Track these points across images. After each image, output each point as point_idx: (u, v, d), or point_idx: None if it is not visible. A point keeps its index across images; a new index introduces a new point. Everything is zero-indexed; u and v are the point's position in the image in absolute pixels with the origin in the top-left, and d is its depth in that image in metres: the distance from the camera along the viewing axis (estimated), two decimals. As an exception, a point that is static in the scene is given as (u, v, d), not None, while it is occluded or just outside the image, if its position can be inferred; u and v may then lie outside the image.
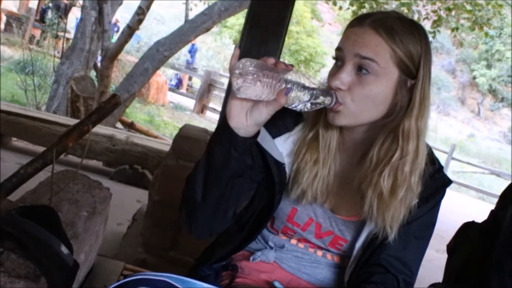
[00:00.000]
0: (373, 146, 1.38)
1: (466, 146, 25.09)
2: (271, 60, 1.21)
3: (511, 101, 27.20)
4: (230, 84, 1.25)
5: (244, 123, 1.26)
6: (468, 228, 1.67)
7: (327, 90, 1.33)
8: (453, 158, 16.95)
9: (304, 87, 1.24)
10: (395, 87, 1.35)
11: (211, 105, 15.85)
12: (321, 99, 1.29)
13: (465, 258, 1.61)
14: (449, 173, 16.81)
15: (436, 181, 1.45)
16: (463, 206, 11.91)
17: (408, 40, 1.33)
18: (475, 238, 1.60)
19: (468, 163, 18.36)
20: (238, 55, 1.21)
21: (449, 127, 28.97)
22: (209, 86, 15.64)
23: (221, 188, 1.35)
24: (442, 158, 17.16)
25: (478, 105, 31.98)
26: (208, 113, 15.64)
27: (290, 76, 1.22)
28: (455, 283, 1.61)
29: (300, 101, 1.25)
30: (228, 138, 1.28)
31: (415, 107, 1.35)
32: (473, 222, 1.68)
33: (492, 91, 28.99)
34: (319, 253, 1.51)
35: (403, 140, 1.35)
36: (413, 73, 1.35)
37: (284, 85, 1.20)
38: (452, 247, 1.68)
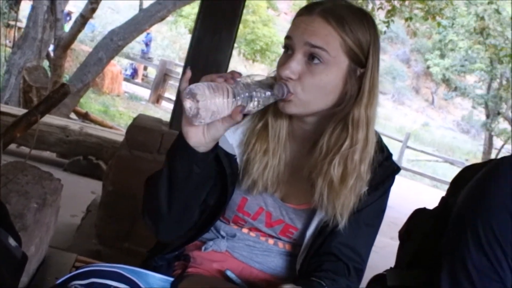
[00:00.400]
0: (323, 135, 1.38)
1: (420, 134, 25.51)
2: (218, 78, 1.21)
3: (464, 90, 27.68)
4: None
5: (203, 141, 1.27)
6: (419, 215, 1.69)
7: (278, 82, 1.33)
8: (407, 147, 17.21)
9: (255, 93, 1.25)
10: (345, 76, 1.35)
11: (166, 95, 15.72)
12: (273, 97, 1.30)
13: (416, 244, 1.62)
14: (404, 161, 17.11)
15: (385, 169, 1.47)
16: (418, 194, 12.12)
17: (357, 28, 1.34)
18: (427, 224, 1.61)
19: (423, 152, 18.67)
20: (189, 77, 1.22)
21: (404, 116, 29.39)
22: (164, 76, 15.49)
23: (186, 199, 1.37)
24: (397, 147, 17.42)
25: (432, 94, 32.50)
26: (163, 103, 15.51)
27: (239, 84, 1.22)
28: (406, 268, 1.63)
29: (253, 107, 1.26)
30: (188, 156, 1.29)
31: (365, 95, 1.36)
32: (424, 208, 1.70)
33: (446, 81, 29.41)
34: (271, 241, 1.51)
35: (352, 129, 1.35)
36: (363, 61, 1.36)
37: (235, 99, 1.21)
38: (404, 234, 1.69)
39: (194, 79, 1.18)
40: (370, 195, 1.43)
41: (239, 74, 1.25)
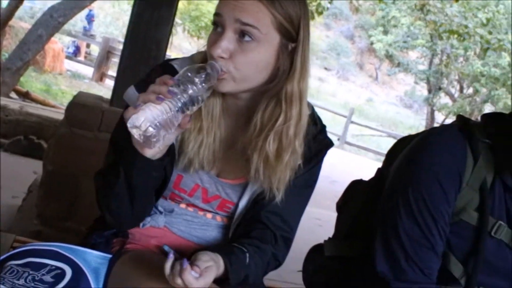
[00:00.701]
0: (257, 112, 1.38)
1: (365, 110, 25.85)
2: (156, 99, 1.18)
3: (407, 66, 28.11)
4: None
5: (157, 150, 1.27)
6: (356, 186, 1.72)
7: (210, 62, 1.30)
8: (352, 122, 17.44)
9: (194, 92, 1.22)
10: (277, 52, 1.35)
11: (110, 72, 15.42)
12: (211, 86, 1.27)
13: (353, 214, 1.66)
14: (348, 136, 17.34)
15: (318, 143, 1.49)
16: (362, 168, 12.25)
17: (287, 3, 1.33)
18: (363, 195, 1.65)
19: (367, 127, 18.94)
20: (132, 111, 1.18)
21: (349, 91, 29.70)
22: (107, 53, 15.22)
23: (147, 197, 1.39)
24: (341, 122, 17.64)
25: (376, 70, 32.90)
26: (107, 81, 15.24)
27: (176, 93, 1.20)
28: (344, 238, 1.66)
29: (198, 105, 1.25)
30: (145, 166, 1.29)
31: (297, 70, 1.36)
32: (361, 180, 1.74)
33: (389, 57, 29.77)
34: (209, 215, 1.51)
35: (286, 104, 1.36)
36: (294, 36, 1.36)
37: (179, 111, 1.19)
38: (341, 205, 1.73)
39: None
40: (301, 169, 1.44)
41: (170, 79, 1.22)
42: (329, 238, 1.72)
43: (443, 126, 1.51)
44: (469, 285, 1.44)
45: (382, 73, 32.73)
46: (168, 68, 1.42)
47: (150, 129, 1.15)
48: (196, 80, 1.23)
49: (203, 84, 1.24)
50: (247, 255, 1.37)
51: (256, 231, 1.45)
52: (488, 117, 1.52)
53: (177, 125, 1.22)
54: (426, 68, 25.07)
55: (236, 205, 1.48)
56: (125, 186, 1.33)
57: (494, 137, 1.44)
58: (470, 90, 21.64)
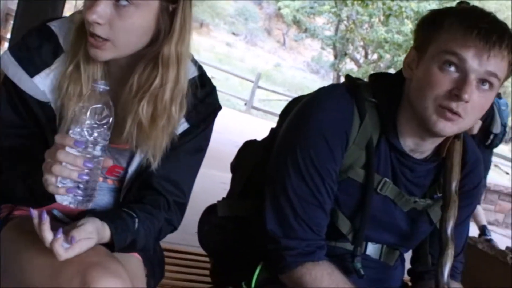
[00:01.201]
0: (133, 74, 1.33)
1: (272, 75, 26.00)
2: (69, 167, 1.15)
3: (314, 31, 28.45)
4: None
5: None
6: (249, 146, 1.73)
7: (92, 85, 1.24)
8: (259, 87, 17.50)
9: (93, 130, 1.17)
10: (157, 15, 1.29)
11: (9, 36, 14.78)
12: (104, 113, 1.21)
13: (246, 174, 1.67)
14: (256, 101, 17.43)
15: (207, 106, 1.46)
16: (268, 133, 12.42)
17: None
18: (256, 155, 1.66)
19: (274, 91, 19.09)
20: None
21: (257, 57, 29.77)
22: (6, 15, 14.53)
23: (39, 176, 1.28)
24: (249, 87, 17.69)
25: (283, 36, 33.08)
26: (6, 44, 14.59)
27: (80, 145, 1.15)
28: (237, 199, 1.67)
29: (106, 138, 1.20)
30: None
31: (175, 32, 1.32)
32: (254, 140, 1.74)
33: (296, 22, 30.05)
34: (100, 179, 1.47)
35: (163, 67, 1.32)
36: None
37: (94, 163, 1.17)
38: (235, 165, 1.73)
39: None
40: (191, 133, 1.43)
41: (68, 137, 1.15)
42: (223, 198, 1.72)
43: (331, 86, 1.53)
44: (356, 240, 1.48)
45: (290, 39, 32.98)
46: (45, 30, 1.36)
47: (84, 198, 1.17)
48: (96, 124, 1.17)
49: (104, 126, 1.19)
50: (136, 220, 1.35)
51: (149, 197, 1.42)
52: (375, 77, 1.55)
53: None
54: (333, 34, 25.46)
55: (126, 170, 1.45)
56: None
57: (380, 96, 1.47)
58: (375, 56, 22.23)
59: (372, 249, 1.57)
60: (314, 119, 1.42)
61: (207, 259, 1.92)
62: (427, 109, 1.35)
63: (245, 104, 17.42)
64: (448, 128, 1.36)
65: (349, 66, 23.97)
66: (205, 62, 18.50)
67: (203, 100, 1.45)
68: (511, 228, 9.74)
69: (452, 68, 1.33)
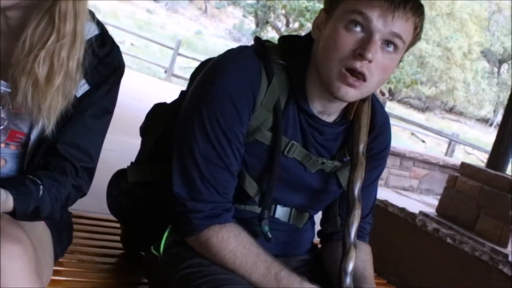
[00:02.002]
0: (26, 29, 1.25)
1: (193, 42, 25.80)
2: None
3: (236, -1, 28.37)
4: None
5: None
6: (158, 109, 1.69)
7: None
8: (179, 54, 17.30)
9: None
10: None
11: None
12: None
13: (155, 137, 1.64)
14: (176, 68, 17.26)
15: (107, 66, 1.40)
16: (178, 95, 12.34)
17: None
18: (165, 118, 1.63)
19: (194, 59, 18.91)
20: None
21: (177, 24, 29.43)
22: None
23: None
24: (169, 54, 17.47)
25: (205, 3, 32.80)
26: None
27: None
28: (146, 163, 1.64)
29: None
30: None
31: None
32: (164, 103, 1.71)
33: (218, -11, 29.90)
34: (2, 145, 1.40)
35: (59, 22, 1.24)
36: None
37: None
38: (144, 129, 1.70)
39: None
40: (93, 94, 1.37)
41: None
42: (132, 163, 1.68)
43: (239, 48, 1.51)
44: (263, 203, 1.48)
45: (211, 6, 32.75)
46: None
47: None
48: None
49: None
50: (41, 187, 1.29)
51: (55, 164, 1.37)
52: (284, 39, 1.54)
53: None
54: (254, 2, 25.43)
55: (28, 136, 1.38)
56: None
57: (289, 58, 1.46)
58: (296, 25, 22.35)
59: (281, 212, 1.57)
60: (221, 81, 1.40)
61: (118, 224, 1.89)
62: (331, 73, 1.35)
63: (165, 71, 17.21)
64: (351, 93, 1.37)
65: (270, 34, 24.05)
66: (124, 28, 18.22)
67: (103, 60, 1.38)
68: (424, 194, 10.13)
69: (358, 28, 1.33)
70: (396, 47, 1.37)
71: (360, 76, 1.34)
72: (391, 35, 1.34)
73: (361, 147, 1.52)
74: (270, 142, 1.45)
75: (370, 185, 1.67)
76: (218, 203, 1.41)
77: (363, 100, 1.52)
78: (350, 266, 1.44)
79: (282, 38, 1.55)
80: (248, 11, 27.43)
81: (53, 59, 1.25)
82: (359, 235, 1.62)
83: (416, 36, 1.41)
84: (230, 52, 1.46)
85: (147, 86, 11.96)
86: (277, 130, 1.44)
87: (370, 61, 1.32)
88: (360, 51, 1.32)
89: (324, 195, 1.60)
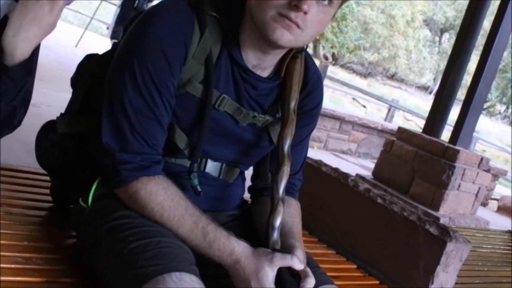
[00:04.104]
0: None
1: (137, -1, 25.20)
2: None
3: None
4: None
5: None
6: (89, 60, 1.66)
7: None
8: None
9: None
10: None
11: None
12: None
13: (85, 88, 1.61)
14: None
15: None
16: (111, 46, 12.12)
17: None
18: (96, 68, 1.60)
19: (139, 16, 18.56)
20: None
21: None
22: None
23: None
24: (111, 10, 17.06)
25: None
26: None
27: None
28: (76, 114, 1.61)
29: None
30: None
31: None
32: (96, 54, 1.67)
33: None
34: None
35: None
36: None
37: None
38: (75, 79, 1.66)
39: None
40: None
41: None
42: (61, 114, 1.65)
43: (172, 0, 1.48)
44: (192, 156, 1.48)
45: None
46: None
47: None
48: None
49: None
50: None
51: None
52: None
53: None
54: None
55: None
56: None
57: (222, 10, 1.45)
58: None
59: (211, 166, 1.57)
60: (153, 32, 1.37)
61: (48, 177, 1.86)
62: (266, 16, 1.34)
63: (107, 28, 16.83)
64: (286, 36, 1.36)
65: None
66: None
67: None
68: (362, 157, 10.32)
69: None
70: (331, 1, 1.37)
71: (294, 25, 1.34)
72: None
73: (292, 104, 1.53)
74: (201, 95, 1.44)
75: (301, 142, 1.69)
76: (148, 154, 1.40)
77: (295, 57, 1.53)
78: (278, 221, 1.46)
79: None
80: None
81: None
82: (288, 191, 1.64)
83: None
84: (163, 3, 1.44)
85: (88, 42, 11.69)
86: (209, 82, 1.43)
87: (305, 13, 1.32)
88: (296, 2, 1.31)
89: (255, 150, 1.61)
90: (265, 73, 1.52)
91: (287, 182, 1.51)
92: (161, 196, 1.39)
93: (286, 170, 1.50)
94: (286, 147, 1.51)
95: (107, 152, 1.40)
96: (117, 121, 1.39)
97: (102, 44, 11.11)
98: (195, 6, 1.42)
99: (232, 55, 1.46)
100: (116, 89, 1.39)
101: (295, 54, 1.52)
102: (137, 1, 9.66)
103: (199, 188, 1.48)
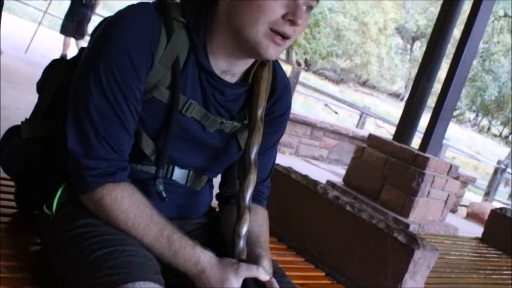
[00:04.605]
0: None
1: (110, 1, 25.09)
2: None
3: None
4: None
5: None
6: (56, 64, 1.64)
7: None
8: (95, 13, 16.78)
9: None
10: None
11: None
12: None
13: (51, 93, 1.59)
14: (91, 28, 16.72)
15: None
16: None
17: None
18: (62, 73, 1.58)
19: (111, 19, 18.44)
20: None
21: None
22: None
23: None
24: (84, 12, 16.89)
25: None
26: None
27: None
28: (42, 118, 1.59)
29: None
30: None
31: None
32: (62, 59, 1.66)
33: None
34: None
35: None
36: None
37: None
38: (41, 84, 1.64)
39: None
40: None
41: None
42: (26, 119, 1.62)
43: (139, 3, 1.47)
44: (158, 161, 1.47)
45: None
46: None
47: None
48: None
49: None
50: None
51: None
52: None
53: None
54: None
55: None
56: None
57: (190, 16, 1.44)
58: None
59: (178, 173, 1.56)
60: (119, 36, 1.36)
61: (11, 183, 1.83)
62: (258, 33, 1.36)
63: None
64: (278, 52, 1.40)
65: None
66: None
67: None
68: (333, 163, 10.36)
69: None
70: (311, 8, 1.42)
71: (285, 39, 1.38)
72: None
73: (260, 111, 1.52)
74: (167, 100, 1.43)
75: (269, 149, 1.68)
76: (113, 160, 1.38)
77: (263, 64, 1.53)
78: (244, 230, 1.45)
79: None
80: None
81: None
82: (256, 199, 1.64)
83: None
84: (129, 7, 1.43)
85: (59, 44, 11.57)
86: (175, 88, 1.42)
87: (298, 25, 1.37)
88: (291, 17, 1.35)
89: (223, 157, 1.60)
90: (233, 79, 1.52)
91: (254, 189, 1.51)
92: (126, 204, 1.37)
93: (252, 178, 1.50)
94: (253, 155, 1.51)
95: (72, 158, 1.38)
96: (82, 126, 1.37)
97: (72, 46, 11.01)
98: (161, 11, 1.41)
99: (199, 61, 1.45)
100: (81, 93, 1.37)
101: (264, 61, 1.52)
102: None
103: (164, 194, 1.46)
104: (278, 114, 1.65)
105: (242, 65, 1.50)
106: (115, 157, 1.39)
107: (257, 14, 1.34)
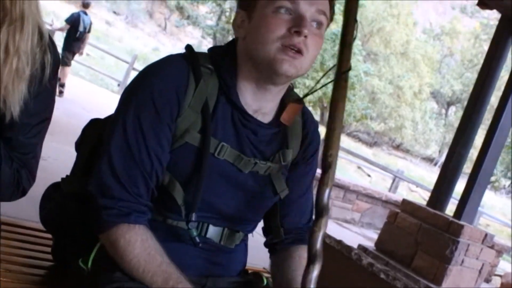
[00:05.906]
0: None
1: (149, 58, 25.58)
2: None
3: (196, 19, 28.36)
4: None
5: None
6: (94, 124, 1.70)
7: None
8: (134, 69, 17.22)
9: None
10: None
11: None
12: None
13: (88, 150, 1.63)
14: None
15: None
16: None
17: None
18: (99, 132, 1.63)
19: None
20: None
21: (136, 39, 29.32)
22: None
23: None
24: (124, 68, 17.37)
25: (165, 20, 32.78)
26: None
27: None
28: (81, 176, 1.62)
29: None
30: None
31: None
32: (99, 118, 1.71)
33: (180, 8, 29.88)
34: None
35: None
36: None
37: None
38: (79, 142, 1.69)
39: None
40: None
41: None
42: (67, 176, 1.67)
43: (169, 54, 1.54)
44: (190, 206, 1.48)
45: (171, 24, 32.77)
46: None
47: None
48: None
49: None
50: None
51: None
52: (213, 48, 1.61)
53: None
54: (214, 24, 25.51)
55: None
56: None
57: (217, 61, 1.52)
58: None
59: (212, 231, 1.55)
60: (146, 83, 1.44)
61: (49, 235, 1.85)
62: (271, 51, 1.42)
63: (119, 85, 17.09)
64: (293, 67, 1.43)
65: (227, 57, 24.10)
66: (81, 38, 18.00)
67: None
68: (365, 227, 10.24)
69: (285, 12, 1.43)
70: (320, 24, 1.47)
71: (298, 54, 1.43)
72: (318, 13, 1.45)
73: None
74: (199, 143, 1.46)
75: (307, 189, 1.71)
76: (129, 202, 1.41)
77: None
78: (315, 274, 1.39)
79: (211, 48, 1.61)
80: (207, 32, 27.46)
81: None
82: (301, 239, 1.65)
83: (332, 15, 1.52)
84: (160, 60, 1.52)
85: (99, 98, 11.85)
86: (206, 131, 1.46)
87: (306, 37, 1.41)
88: (296, 28, 1.41)
89: (259, 201, 1.60)
90: (266, 119, 1.55)
91: (299, 230, 1.59)
92: (138, 248, 1.39)
93: (324, 221, 1.32)
94: (325, 198, 1.35)
95: (91, 198, 1.43)
96: (102, 167, 1.43)
97: (111, 100, 11.25)
98: (189, 60, 1.48)
99: (232, 100, 1.49)
100: (107, 137, 1.45)
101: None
102: (78, 32, 11.30)
103: (197, 239, 1.48)
104: (310, 154, 1.69)
105: (270, 101, 1.54)
106: (129, 198, 1.42)
107: (266, 34, 1.42)
